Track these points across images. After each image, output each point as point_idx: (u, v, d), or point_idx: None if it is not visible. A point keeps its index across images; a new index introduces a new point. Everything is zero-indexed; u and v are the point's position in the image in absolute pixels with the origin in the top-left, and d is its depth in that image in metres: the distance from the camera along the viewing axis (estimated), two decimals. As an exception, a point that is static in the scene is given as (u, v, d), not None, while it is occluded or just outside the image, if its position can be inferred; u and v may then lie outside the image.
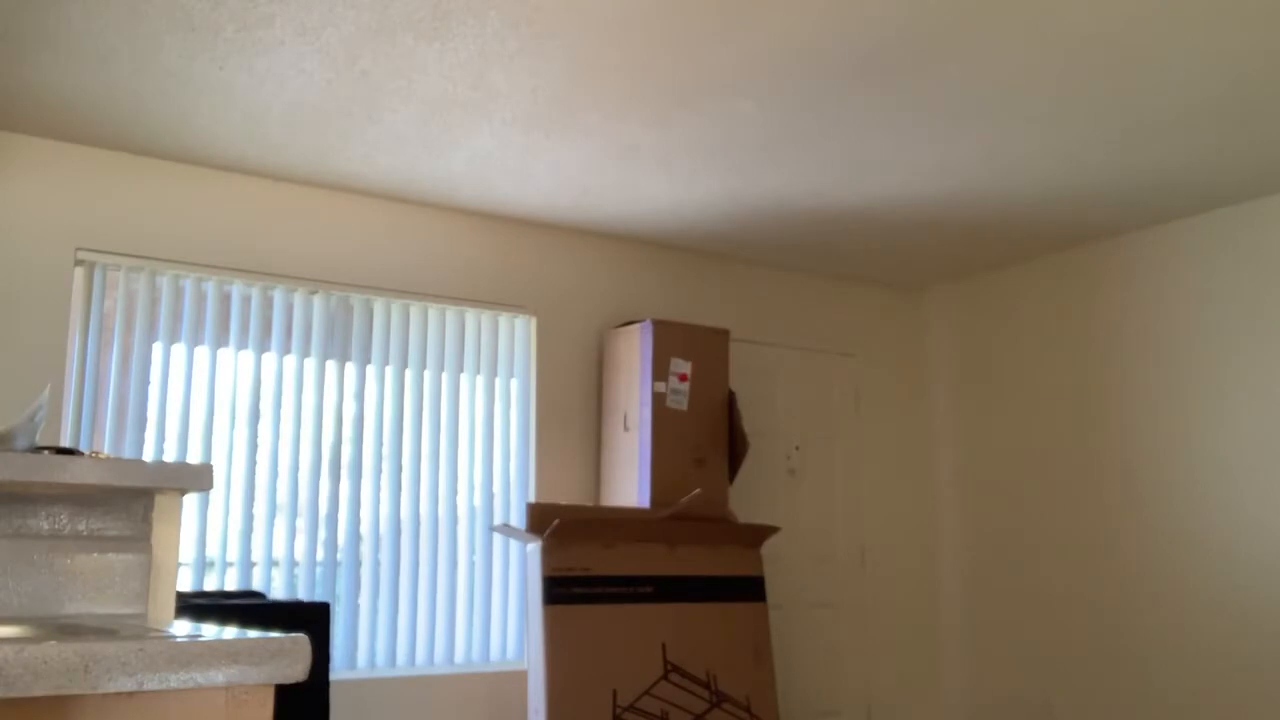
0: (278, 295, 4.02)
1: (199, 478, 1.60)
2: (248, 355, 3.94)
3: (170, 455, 3.73)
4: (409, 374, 4.21)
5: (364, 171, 3.95)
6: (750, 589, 4.25)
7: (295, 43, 2.97)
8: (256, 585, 3.81)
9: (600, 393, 4.53)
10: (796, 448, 5.03)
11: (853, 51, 3.04)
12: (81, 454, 1.59)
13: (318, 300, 4.08)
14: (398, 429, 4.15)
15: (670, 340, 4.33)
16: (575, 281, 4.61)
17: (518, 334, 4.47)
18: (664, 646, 3.94)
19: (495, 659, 4.19)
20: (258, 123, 3.52)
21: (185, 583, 3.72)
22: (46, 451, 1.57)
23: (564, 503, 4.25)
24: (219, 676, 1.08)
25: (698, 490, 4.11)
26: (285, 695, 2.93)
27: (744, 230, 4.58)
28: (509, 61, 3.09)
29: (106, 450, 3.57)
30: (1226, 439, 4.18)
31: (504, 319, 4.45)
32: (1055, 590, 4.71)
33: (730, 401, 4.47)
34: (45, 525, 1.55)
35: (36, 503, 1.55)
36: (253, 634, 1.17)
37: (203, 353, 3.85)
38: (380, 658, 4.01)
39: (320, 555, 3.95)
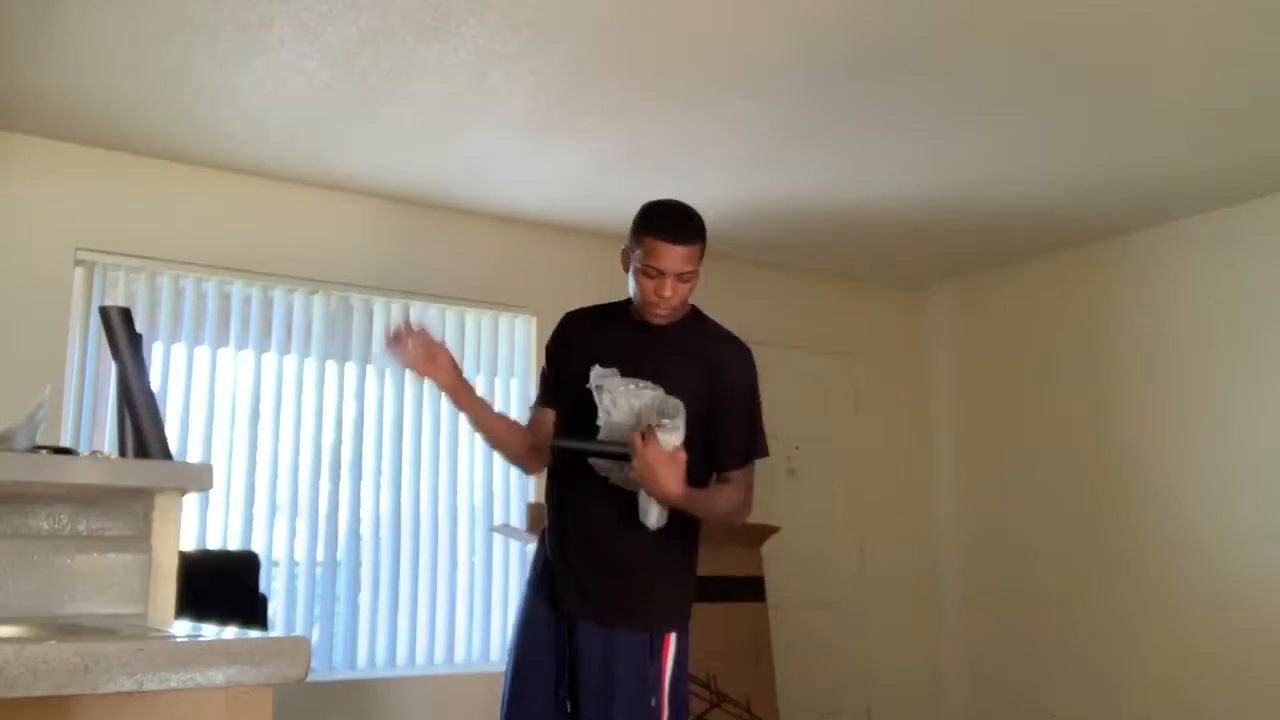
0: (278, 295, 4.02)
1: (199, 478, 1.60)
2: (248, 355, 3.93)
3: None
4: (409, 374, 4.20)
5: (364, 171, 3.95)
6: (750, 589, 4.25)
7: (295, 43, 2.97)
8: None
9: (600, 393, 4.52)
10: (797, 448, 5.02)
11: (853, 52, 3.04)
12: (81, 454, 1.59)
13: (318, 300, 4.08)
14: (398, 429, 4.15)
15: (670, 340, 4.32)
16: (575, 281, 4.58)
17: (518, 334, 4.47)
18: (664, 646, 3.93)
19: (495, 659, 4.18)
20: (258, 123, 3.52)
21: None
22: (46, 451, 1.57)
23: (564, 503, 4.24)
24: (219, 676, 1.08)
25: (698, 490, 4.10)
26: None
27: (744, 230, 4.57)
28: (509, 61, 3.09)
29: (106, 450, 3.57)
30: (1226, 438, 4.17)
31: (504, 319, 4.45)
32: (1054, 589, 4.71)
33: (730, 401, 4.45)
34: (45, 525, 1.55)
35: (36, 503, 1.55)
36: (253, 634, 1.17)
37: (203, 353, 3.85)
38: (380, 658, 4.00)
39: (320, 555, 3.95)
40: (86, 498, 1.57)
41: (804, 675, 4.73)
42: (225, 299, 3.93)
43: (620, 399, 2.25)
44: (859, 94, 3.30)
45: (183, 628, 1.41)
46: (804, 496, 4.98)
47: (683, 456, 2.12)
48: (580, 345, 2.42)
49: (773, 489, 4.87)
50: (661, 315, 2.31)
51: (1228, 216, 4.25)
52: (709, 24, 2.89)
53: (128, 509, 1.59)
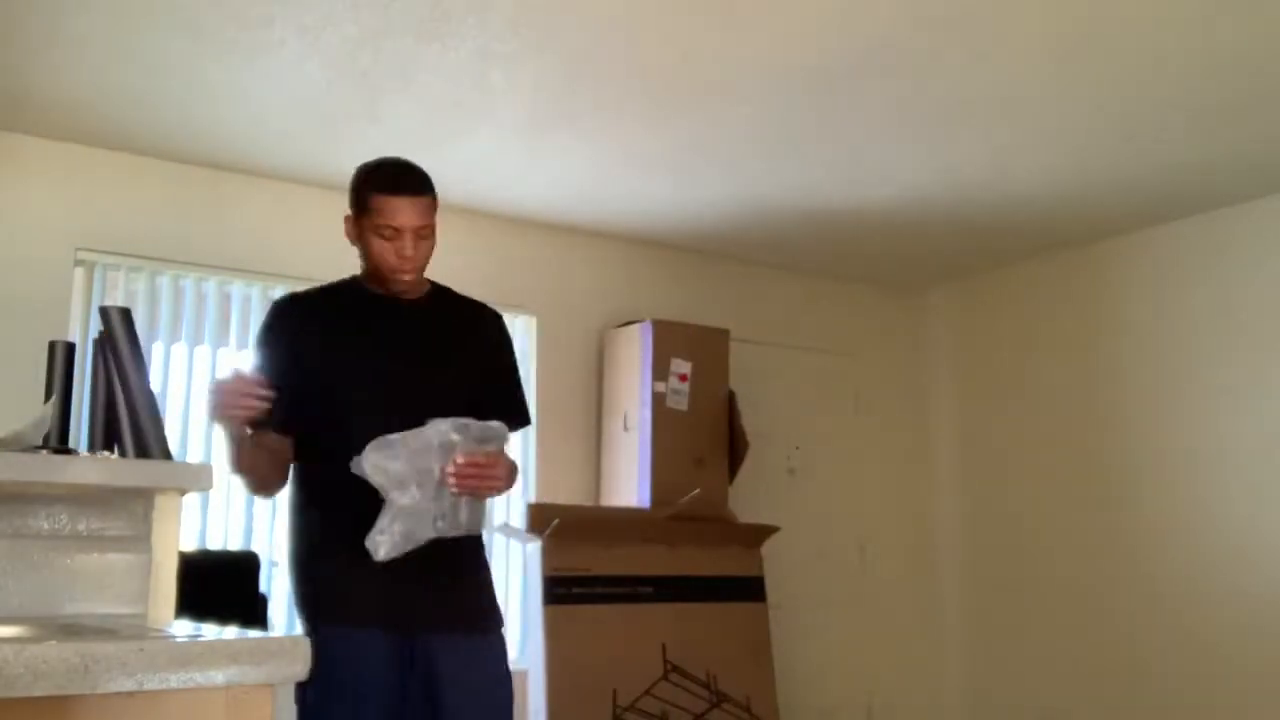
0: (277, 295, 4.01)
1: (199, 478, 1.60)
2: (248, 355, 3.93)
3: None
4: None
5: (364, 171, 3.94)
6: (750, 589, 4.25)
7: (295, 43, 2.97)
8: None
9: (600, 393, 4.53)
10: (796, 447, 5.02)
11: (852, 52, 3.04)
12: (81, 454, 1.59)
13: (318, 300, 4.07)
14: (398, 429, 4.14)
15: (670, 340, 4.33)
16: (575, 281, 4.61)
17: (518, 334, 4.46)
18: (664, 646, 3.94)
19: (495, 659, 4.17)
20: (258, 123, 3.52)
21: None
22: (45, 451, 1.57)
23: (564, 503, 4.25)
24: (219, 676, 1.08)
25: (698, 490, 4.10)
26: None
27: (744, 230, 4.57)
28: (509, 61, 3.09)
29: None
30: (1226, 437, 4.17)
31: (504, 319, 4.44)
32: (1055, 589, 4.71)
33: (730, 401, 4.46)
34: (45, 525, 1.55)
35: (36, 503, 1.55)
36: (253, 634, 1.17)
37: (203, 353, 3.85)
38: (380, 658, 3.99)
39: (320, 555, 3.94)
40: (86, 498, 1.57)
41: (804, 675, 4.74)
42: (225, 299, 3.92)
43: (409, 466, 2.01)
44: (859, 94, 3.30)
45: (183, 628, 1.40)
46: (804, 496, 4.98)
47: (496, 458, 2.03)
48: (310, 338, 2.17)
49: (773, 489, 4.89)
50: (407, 279, 2.15)
51: (1228, 216, 4.25)
52: (709, 24, 2.89)
53: (128, 509, 1.59)
